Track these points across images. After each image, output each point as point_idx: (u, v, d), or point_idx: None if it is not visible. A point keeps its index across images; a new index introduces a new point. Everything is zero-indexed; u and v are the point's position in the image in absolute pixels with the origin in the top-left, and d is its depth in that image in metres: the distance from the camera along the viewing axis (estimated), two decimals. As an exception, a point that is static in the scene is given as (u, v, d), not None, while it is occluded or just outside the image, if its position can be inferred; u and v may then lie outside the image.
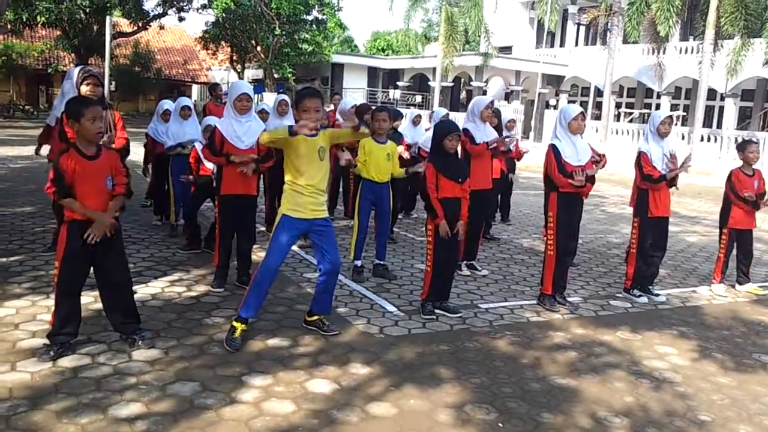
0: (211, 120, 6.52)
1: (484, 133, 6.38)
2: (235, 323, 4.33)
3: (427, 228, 5.18)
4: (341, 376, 3.93)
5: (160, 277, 5.66)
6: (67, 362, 3.84)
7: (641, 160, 5.92)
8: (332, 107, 10.16)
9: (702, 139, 22.69)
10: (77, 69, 5.25)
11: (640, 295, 6.01)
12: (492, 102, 6.53)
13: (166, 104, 7.75)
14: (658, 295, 6.11)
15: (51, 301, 4.78)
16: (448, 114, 9.04)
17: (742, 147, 6.49)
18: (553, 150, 5.38)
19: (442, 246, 5.05)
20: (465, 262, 6.53)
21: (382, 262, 6.22)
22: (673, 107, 29.48)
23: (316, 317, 4.63)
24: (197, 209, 6.86)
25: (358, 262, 6.12)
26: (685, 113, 28.82)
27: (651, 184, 5.86)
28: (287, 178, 4.36)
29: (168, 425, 3.23)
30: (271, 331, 4.57)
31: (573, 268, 7.04)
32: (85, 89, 4.98)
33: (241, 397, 3.58)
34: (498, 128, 7.16)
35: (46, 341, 3.96)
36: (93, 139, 3.85)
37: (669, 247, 8.60)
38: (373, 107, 8.09)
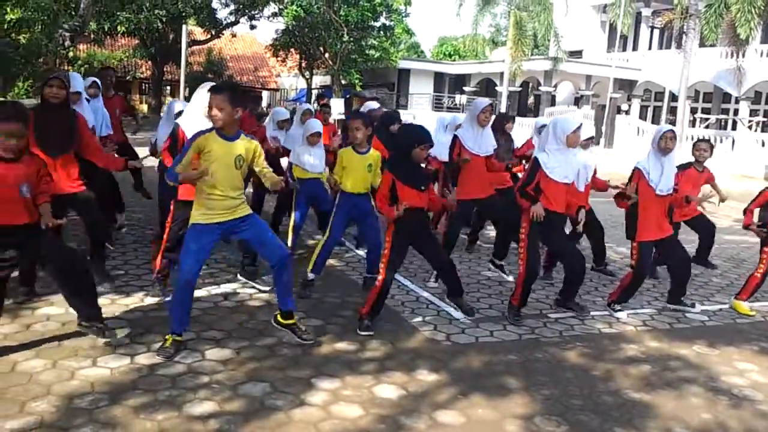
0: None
1: (483, 139, 6.14)
2: (167, 336, 4.13)
3: (385, 239, 4.82)
4: (408, 383, 3.93)
5: (232, 279, 5.79)
6: (144, 359, 3.98)
7: (632, 177, 5.47)
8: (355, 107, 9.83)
9: (784, 146, 21.68)
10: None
11: (618, 310, 5.62)
12: (491, 105, 6.26)
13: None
14: (693, 305, 5.83)
15: (130, 300, 4.99)
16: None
17: None
18: (533, 163, 5.11)
19: (394, 262, 4.78)
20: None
21: (372, 276, 5.67)
22: (753, 113, 28.29)
23: (291, 321, 4.32)
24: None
25: (311, 276, 5.58)
26: (765, 119, 27.60)
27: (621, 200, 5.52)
28: (198, 185, 3.99)
29: (239, 424, 3.30)
30: (339, 335, 4.61)
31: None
32: (47, 90, 4.80)
33: (310, 399, 3.63)
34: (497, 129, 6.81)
35: None
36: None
37: (747, 259, 8.29)
38: (394, 116, 7.73)
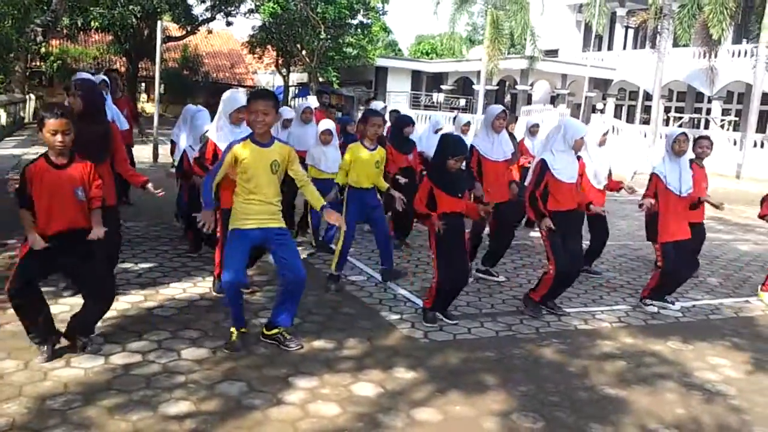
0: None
1: (498, 144, 6.27)
2: (232, 329, 4.27)
3: (430, 243, 4.94)
4: (386, 380, 3.93)
5: (208, 277, 5.74)
6: (118, 359, 3.93)
7: (650, 181, 5.68)
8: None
9: (755, 145, 22.06)
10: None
11: (650, 304, 5.80)
12: (504, 112, 6.38)
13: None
14: (673, 303, 5.92)
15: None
16: (469, 123, 8.35)
17: None
18: (541, 166, 5.20)
19: (445, 261, 4.91)
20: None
21: (386, 268, 5.92)
22: (725, 112, 28.76)
23: (275, 330, 4.32)
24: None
25: (337, 272, 5.77)
26: (737, 118, 28.06)
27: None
28: (237, 191, 4.12)
29: (216, 424, 3.27)
30: (317, 333, 4.60)
31: (621, 277, 6.92)
32: (71, 100, 4.78)
33: (288, 398, 3.61)
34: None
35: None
36: (53, 151, 3.70)
37: (720, 256, 8.43)
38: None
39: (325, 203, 4.33)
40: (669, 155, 5.63)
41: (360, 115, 10.54)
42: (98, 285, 3.94)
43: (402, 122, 7.69)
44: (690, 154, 5.83)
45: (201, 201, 4.34)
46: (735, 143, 22.57)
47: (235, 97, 5.12)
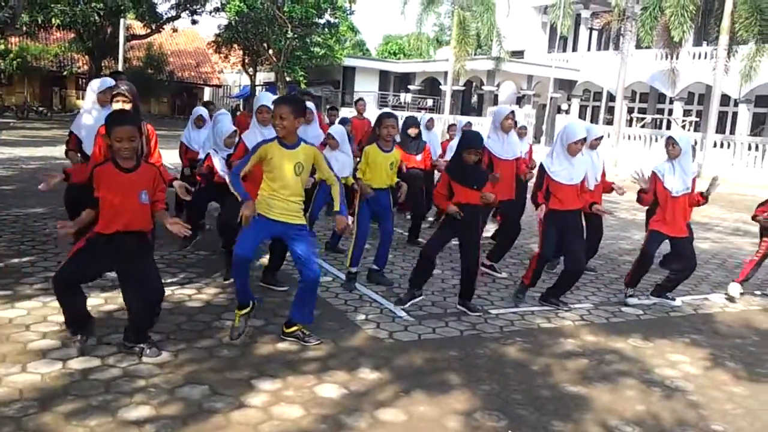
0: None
1: (508, 144, 6.49)
2: (236, 310, 4.42)
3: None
4: (350, 381, 3.92)
5: (170, 279, 5.65)
6: (76, 364, 3.84)
7: (650, 179, 6.00)
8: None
9: (715, 145, 22.54)
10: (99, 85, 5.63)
11: (630, 295, 6.11)
12: (513, 112, 6.58)
13: (200, 111, 8.07)
14: (673, 299, 6.17)
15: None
16: (470, 123, 8.81)
17: None
18: (540, 170, 5.59)
19: (434, 247, 5.38)
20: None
21: (378, 269, 6.08)
22: (686, 113, 29.33)
23: (295, 328, 4.44)
24: (204, 208, 6.81)
25: (354, 269, 5.90)
26: (697, 119, 28.64)
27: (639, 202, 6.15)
28: (262, 185, 4.29)
29: (177, 428, 3.22)
30: (280, 335, 4.55)
31: (584, 276, 7.00)
32: (116, 106, 4.93)
33: (250, 401, 3.57)
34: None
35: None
36: (119, 157, 3.83)
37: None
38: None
39: (338, 209, 4.48)
40: (666, 157, 5.94)
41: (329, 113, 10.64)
42: (147, 283, 3.94)
43: (406, 123, 8.01)
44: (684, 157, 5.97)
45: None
46: (696, 143, 23.03)
47: (258, 97, 5.57)
